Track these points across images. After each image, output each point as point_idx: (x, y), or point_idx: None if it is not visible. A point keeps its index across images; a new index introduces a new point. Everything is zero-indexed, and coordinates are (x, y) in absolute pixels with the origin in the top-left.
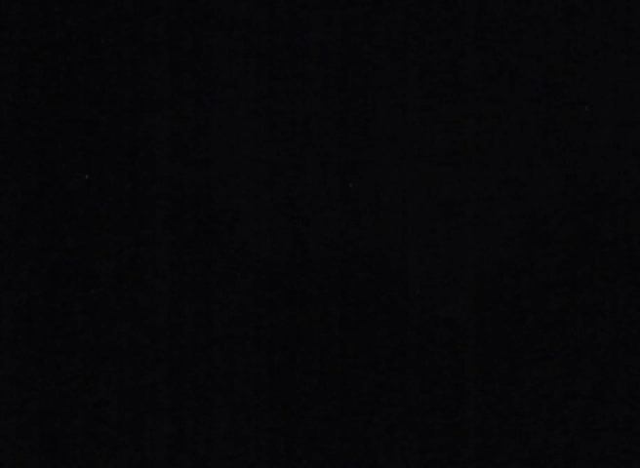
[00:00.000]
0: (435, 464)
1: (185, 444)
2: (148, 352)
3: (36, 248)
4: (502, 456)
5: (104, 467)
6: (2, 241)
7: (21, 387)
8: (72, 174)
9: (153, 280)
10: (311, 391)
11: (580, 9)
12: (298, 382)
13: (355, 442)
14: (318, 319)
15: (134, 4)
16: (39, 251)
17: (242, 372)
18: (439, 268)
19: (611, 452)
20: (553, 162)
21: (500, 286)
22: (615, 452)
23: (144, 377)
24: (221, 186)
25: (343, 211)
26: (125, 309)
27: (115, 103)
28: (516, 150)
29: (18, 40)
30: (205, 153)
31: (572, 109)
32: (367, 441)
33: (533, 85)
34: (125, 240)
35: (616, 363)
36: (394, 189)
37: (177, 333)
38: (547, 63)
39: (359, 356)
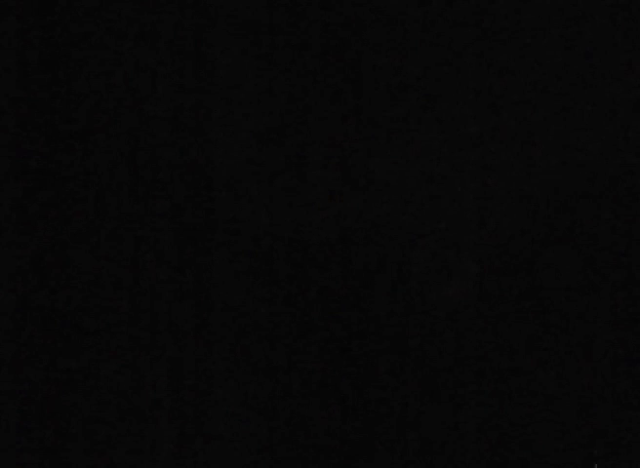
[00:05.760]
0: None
1: (185, 444)
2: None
3: (36, 247)
4: (504, 445)
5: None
6: (2, 240)
7: (21, 386)
8: (72, 170)
9: (155, 269)
10: (312, 377)
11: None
12: (298, 370)
13: (355, 431)
14: (319, 303)
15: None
16: (39, 250)
17: (243, 363)
18: (440, 249)
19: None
20: (554, 148)
21: (501, 267)
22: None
23: (144, 377)
24: (222, 172)
25: (344, 193)
26: (125, 301)
27: (116, 102)
28: (516, 137)
29: (17, 37)
30: (205, 144)
31: (571, 108)
32: (367, 430)
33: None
34: (126, 232)
35: (617, 345)
36: (395, 172)
37: (177, 324)
38: (547, 62)
39: (360, 339)
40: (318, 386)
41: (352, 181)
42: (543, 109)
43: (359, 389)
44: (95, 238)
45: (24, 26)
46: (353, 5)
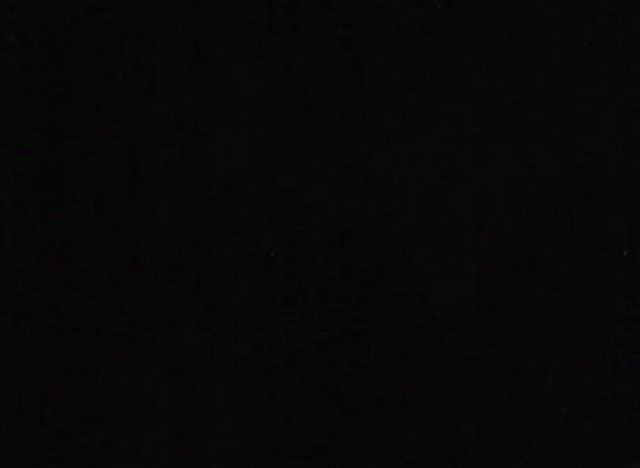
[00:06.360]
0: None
1: (185, 444)
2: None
3: (36, 246)
4: (502, 443)
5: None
6: (2, 240)
7: (21, 386)
8: (72, 170)
9: (154, 270)
10: (312, 377)
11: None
12: (298, 370)
13: (356, 430)
14: (319, 304)
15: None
16: (39, 250)
17: (243, 363)
18: (439, 249)
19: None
20: (554, 147)
21: (501, 267)
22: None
23: (144, 377)
24: (222, 172)
25: (343, 194)
26: (125, 306)
27: (115, 100)
28: (516, 137)
29: (17, 37)
30: (205, 142)
31: (573, 105)
32: (367, 431)
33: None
34: (125, 231)
35: (617, 344)
36: (395, 172)
37: (177, 326)
38: (547, 61)
39: (360, 339)
40: (318, 386)
41: (352, 181)
42: (543, 109)
43: (359, 389)
44: (95, 238)
45: (24, 26)
46: (353, 5)
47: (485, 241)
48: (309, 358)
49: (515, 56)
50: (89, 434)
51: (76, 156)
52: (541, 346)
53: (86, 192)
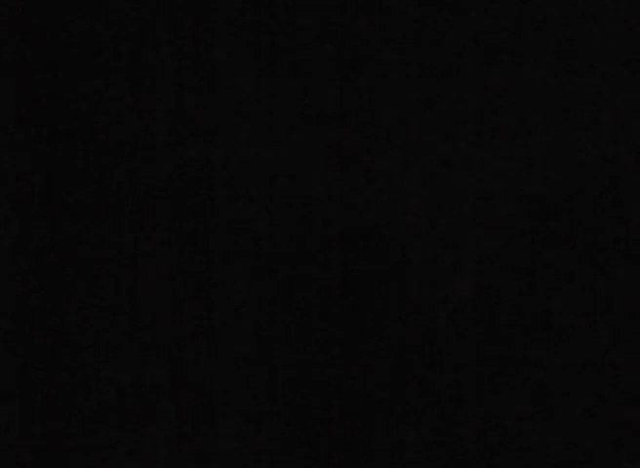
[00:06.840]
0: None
1: (185, 444)
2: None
3: (36, 246)
4: (503, 444)
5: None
6: (2, 240)
7: (20, 386)
8: (72, 169)
9: (153, 267)
10: (312, 377)
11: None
12: (298, 370)
13: (355, 432)
14: (319, 304)
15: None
16: (39, 250)
17: (242, 363)
18: (440, 248)
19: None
20: (554, 147)
21: (501, 267)
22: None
23: (144, 377)
24: (222, 172)
25: (343, 194)
26: (125, 306)
27: (115, 99)
28: (516, 137)
29: (18, 37)
30: (204, 141)
31: (574, 102)
32: (367, 433)
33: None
34: (124, 228)
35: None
36: (395, 172)
37: (176, 324)
38: (547, 61)
39: (360, 340)
40: (318, 386)
41: (352, 181)
42: (543, 109)
43: (359, 389)
44: (94, 238)
45: (24, 26)
46: (353, 5)
47: (485, 241)
48: (309, 358)
49: (515, 55)
50: (89, 434)
51: (76, 156)
52: (541, 346)
53: (86, 192)
